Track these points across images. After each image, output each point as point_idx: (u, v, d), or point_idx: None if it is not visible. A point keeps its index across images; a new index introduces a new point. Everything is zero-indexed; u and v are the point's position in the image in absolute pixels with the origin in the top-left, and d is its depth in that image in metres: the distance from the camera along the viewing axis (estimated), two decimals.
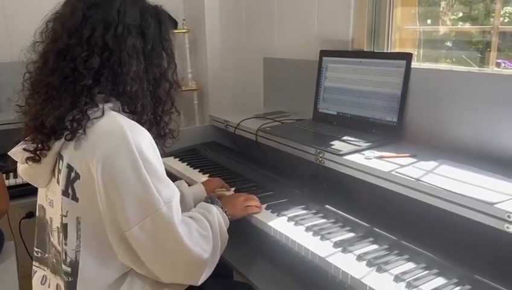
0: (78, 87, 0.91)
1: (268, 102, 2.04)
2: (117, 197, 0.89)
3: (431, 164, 1.14)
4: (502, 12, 1.55)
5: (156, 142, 0.96)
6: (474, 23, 1.49)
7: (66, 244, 0.96)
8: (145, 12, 0.98)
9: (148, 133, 0.94)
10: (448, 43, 1.51)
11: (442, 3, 1.54)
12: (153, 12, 1.00)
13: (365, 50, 1.56)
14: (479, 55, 1.47)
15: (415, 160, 1.19)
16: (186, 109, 2.47)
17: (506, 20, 1.47)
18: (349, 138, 1.37)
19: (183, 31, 2.39)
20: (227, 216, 1.10)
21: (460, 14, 1.56)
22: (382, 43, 1.56)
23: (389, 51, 1.53)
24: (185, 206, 1.26)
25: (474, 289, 0.84)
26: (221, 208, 1.11)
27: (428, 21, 1.58)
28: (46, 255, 1.08)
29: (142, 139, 0.91)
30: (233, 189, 1.40)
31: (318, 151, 1.31)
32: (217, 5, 2.34)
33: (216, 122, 1.88)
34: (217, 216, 1.06)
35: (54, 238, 1.03)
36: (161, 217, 0.91)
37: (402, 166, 1.14)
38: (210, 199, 1.15)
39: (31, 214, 1.97)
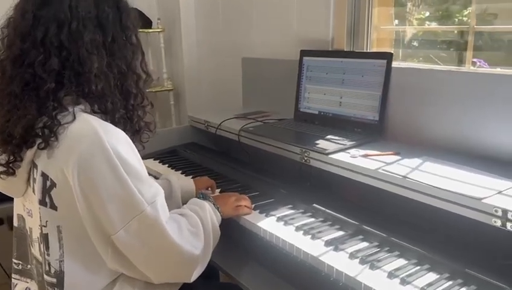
0: (42, 92, 0.86)
1: (248, 102, 2.03)
2: (98, 202, 0.86)
3: (415, 161, 1.16)
4: (465, 13, 1.60)
5: (132, 139, 0.93)
6: (444, 23, 1.54)
7: (48, 255, 0.92)
8: (101, 1, 0.92)
9: (124, 133, 0.90)
10: (425, 43, 1.55)
11: (414, 4, 1.58)
12: (110, 0, 0.93)
13: (345, 50, 1.58)
14: (450, 53, 1.52)
15: (399, 157, 1.21)
16: (162, 109, 2.43)
17: (468, 20, 1.52)
18: (333, 137, 1.38)
19: (158, 30, 2.35)
20: (220, 213, 1.09)
21: (427, 14, 1.61)
22: (361, 43, 1.58)
23: (369, 51, 1.56)
24: (172, 199, 1.24)
25: (465, 283, 0.87)
26: (214, 204, 1.10)
27: (397, 21, 1.62)
28: (29, 266, 1.03)
29: (117, 140, 0.87)
30: (218, 191, 1.38)
31: (303, 150, 1.31)
32: (192, 3, 2.31)
33: (195, 122, 1.85)
34: (209, 212, 1.04)
35: (35, 249, 0.99)
36: (146, 218, 0.88)
37: (387, 164, 1.16)
38: (202, 195, 1.14)
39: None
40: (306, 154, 1.30)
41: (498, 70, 1.41)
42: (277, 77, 1.83)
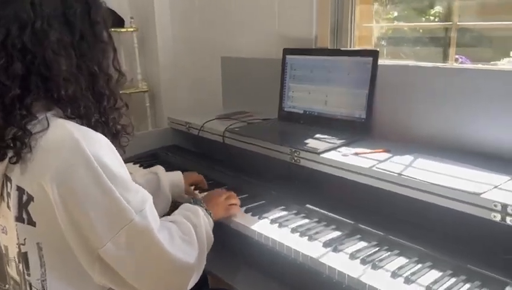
0: (7, 100, 0.78)
1: (228, 103, 1.99)
2: (81, 215, 0.79)
3: (407, 158, 1.16)
4: (432, 12, 1.63)
5: (111, 143, 0.86)
6: (419, 20, 1.55)
7: (28, 275, 0.85)
8: None
9: (105, 138, 0.84)
10: (407, 40, 1.57)
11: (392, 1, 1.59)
12: None
13: (329, 48, 1.57)
14: (433, 50, 1.54)
15: (390, 155, 1.21)
16: (137, 112, 2.35)
17: (436, 20, 1.56)
18: (321, 136, 1.37)
19: (131, 29, 2.27)
20: (212, 218, 1.05)
21: (395, 14, 1.62)
22: (345, 40, 1.57)
23: (354, 48, 1.55)
24: (160, 194, 1.19)
25: (469, 279, 0.87)
26: (206, 209, 1.05)
27: (376, 20, 1.63)
28: (7, 286, 0.96)
29: (99, 146, 0.80)
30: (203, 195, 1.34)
31: (293, 150, 1.29)
32: (166, 0, 2.25)
33: (176, 124, 1.80)
34: (203, 218, 1.00)
35: (12, 269, 0.92)
36: (136, 228, 0.82)
37: (380, 161, 1.15)
38: (193, 200, 1.10)
39: None
40: (296, 154, 1.28)
41: (480, 66, 1.44)
42: (258, 76, 1.80)
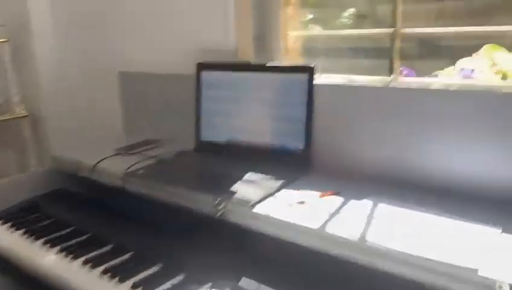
0: None
1: (131, 128, 1.62)
2: None
3: (363, 206, 0.91)
4: (346, 14, 1.43)
5: None
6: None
7: None
8: None
9: None
10: (344, 51, 1.33)
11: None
12: None
13: (253, 61, 1.28)
14: (375, 62, 1.32)
15: (341, 200, 0.95)
16: (14, 145, 1.85)
17: (349, 22, 1.36)
18: (252, 176, 1.07)
19: (1, 40, 1.79)
20: None
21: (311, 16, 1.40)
22: (272, 52, 1.29)
23: (286, 64, 1.28)
24: None
25: None
26: None
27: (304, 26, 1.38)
28: None
29: None
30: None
31: (217, 200, 0.97)
32: (46, 5, 1.80)
33: (62, 164, 1.38)
34: None
35: None
36: None
37: (332, 215, 0.88)
38: None
39: None
40: (220, 207, 0.97)
41: (426, 79, 1.25)
42: (168, 96, 1.46)
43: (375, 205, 0.91)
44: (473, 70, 1.29)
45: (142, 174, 1.13)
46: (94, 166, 1.25)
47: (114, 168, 1.21)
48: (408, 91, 1.04)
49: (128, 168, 1.17)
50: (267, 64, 1.18)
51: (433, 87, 1.08)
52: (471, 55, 1.31)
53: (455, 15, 1.23)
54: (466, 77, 1.30)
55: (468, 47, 1.29)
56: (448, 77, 1.32)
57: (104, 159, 1.27)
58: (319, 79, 1.15)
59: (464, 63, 1.32)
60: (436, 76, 1.34)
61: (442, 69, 1.33)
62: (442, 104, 0.96)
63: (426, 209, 0.87)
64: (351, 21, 1.40)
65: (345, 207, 0.91)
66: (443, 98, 0.97)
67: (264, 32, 1.28)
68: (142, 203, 1.18)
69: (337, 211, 0.89)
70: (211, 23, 1.32)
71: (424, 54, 1.26)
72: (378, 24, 1.25)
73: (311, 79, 1.11)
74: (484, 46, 1.30)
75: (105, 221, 1.19)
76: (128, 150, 1.37)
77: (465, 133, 0.94)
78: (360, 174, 1.07)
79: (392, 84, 1.17)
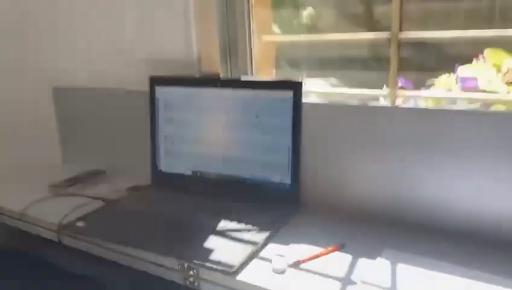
0: None
1: (70, 155, 1.33)
2: None
3: (379, 267, 0.69)
4: (305, 14, 1.26)
5: None
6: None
7: None
8: None
9: None
10: (334, 60, 1.12)
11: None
12: None
13: (221, 73, 1.04)
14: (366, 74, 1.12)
15: (349, 258, 0.73)
16: None
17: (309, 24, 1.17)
18: (228, 224, 0.83)
19: None
20: None
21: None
22: (243, 62, 1.05)
23: (267, 78, 1.05)
24: None
25: None
26: None
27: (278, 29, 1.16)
28: None
29: None
30: None
31: (187, 266, 0.73)
32: None
33: None
34: None
35: None
36: None
37: (339, 280, 0.66)
38: None
39: None
40: (192, 273, 0.72)
41: (424, 92, 1.06)
42: (115, 116, 1.19)
43: (394, 266, 0.70)
44: (476, 80, 1.13)
45: (83, 230, 0.85)
46: (21, 215, 0.96)
47: (45, 217, 0.93)
48: (409, 112, 0.84)
49: (65, 216, 0.90)
50: (241, 79, 0.94)
51: (444, 107, 0.89)
52: (470, 62, 1.15)
53: (455, 17, 1.05)
54: (468, 88, 1.13)
55: (467, 52, 1.12)
56: (446, 88, 1.14)
57: (35, 202, 0.99)
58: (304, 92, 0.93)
59: (463, 70, 1.16)
60: (431, 86, 1.16)
61: (436, 77, 1.17)
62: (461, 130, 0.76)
63: (452, 267, 0.67)
64: (309, 23, 1.20)
65: (356, 270, 0.69)
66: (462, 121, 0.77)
67: (232, 37, 1.04)
68: (83, 260, 0.92)
69: (346, 276, 0.68)
70: (166, 31, 1.06)
71: (424, 62, 1.07)
72: (371, 28, 1.05)
73: (298, 98, 0.88)
74: (486, 51, 1.14)
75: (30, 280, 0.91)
76: (66, 186, 1.09)
77: (483, 164, 0.75)
78: (360, 215, 0.86)
79: (391, 100, 0.97)
